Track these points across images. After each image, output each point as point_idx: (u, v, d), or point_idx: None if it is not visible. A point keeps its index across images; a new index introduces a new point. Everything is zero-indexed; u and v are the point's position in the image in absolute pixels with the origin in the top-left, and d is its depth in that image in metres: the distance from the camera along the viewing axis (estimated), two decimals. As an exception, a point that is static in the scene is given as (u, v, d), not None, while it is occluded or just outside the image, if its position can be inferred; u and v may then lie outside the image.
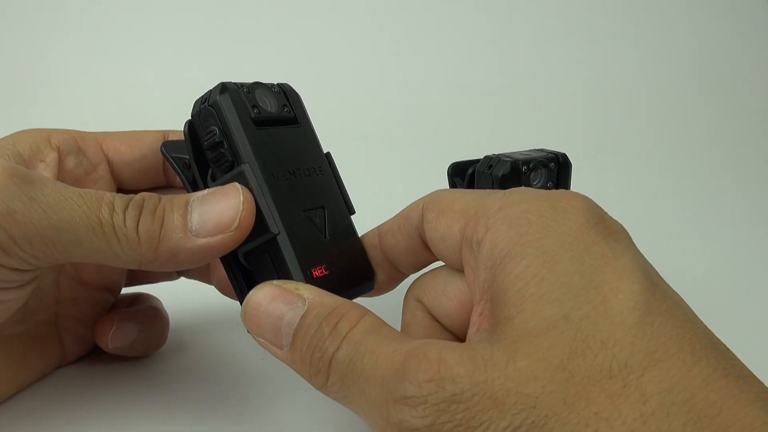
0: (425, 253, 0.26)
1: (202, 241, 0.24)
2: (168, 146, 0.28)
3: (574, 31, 0.79)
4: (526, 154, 0.33)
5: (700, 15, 0.83)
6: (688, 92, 0.81)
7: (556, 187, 0.33)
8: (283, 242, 0.24)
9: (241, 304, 0.25)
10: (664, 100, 0.80)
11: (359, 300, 0.25)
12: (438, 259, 0.27)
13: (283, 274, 0.24)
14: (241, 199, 0.24)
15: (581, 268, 0.20)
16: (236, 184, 0.24)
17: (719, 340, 0.20)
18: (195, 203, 0.24)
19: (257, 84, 0.27)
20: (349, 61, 0.75)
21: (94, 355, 0.33)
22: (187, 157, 0.27)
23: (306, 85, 0.69)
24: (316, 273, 0.25)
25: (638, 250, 0.22)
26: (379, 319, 0.22)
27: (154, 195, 0.25)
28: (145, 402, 0.29)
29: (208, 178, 0.27)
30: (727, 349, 0.20)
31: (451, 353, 0.19)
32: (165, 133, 0.32)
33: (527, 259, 0.21)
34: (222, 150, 0.25)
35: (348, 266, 0.26)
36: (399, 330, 0.26)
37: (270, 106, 0.27)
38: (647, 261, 0.22)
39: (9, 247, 0.23)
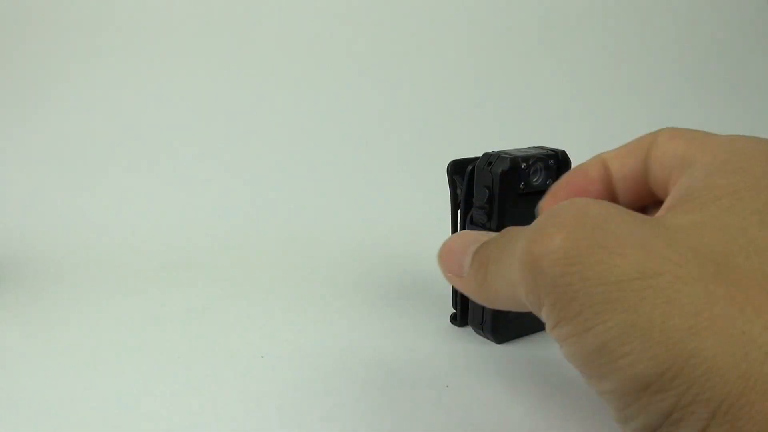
0: (645, 184, 0.26)
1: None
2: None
3: (573, 29, 0.79)
4: (526, 151, 0.33)
5: (701, 15, 0.83)
6: (689, 90, 0.81)
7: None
8: None
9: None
10: (663, 98, 0.80)
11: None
12: (649, 202, 0.27)
13: None
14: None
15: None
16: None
17: None
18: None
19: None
20: (347, 64, 0.75)
21: (92, 345, 0.33)
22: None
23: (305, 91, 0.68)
24: None
25: None
26: None
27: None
28: (146, 402, 0.29)
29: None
30: None
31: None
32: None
33: (733, 177, 0.20)
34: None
35: None
36: None
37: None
38: None
39: None
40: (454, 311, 0.36)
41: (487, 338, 0.34)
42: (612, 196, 0.28)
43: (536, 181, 0.32)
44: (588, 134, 0.74)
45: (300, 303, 0.40)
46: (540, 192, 0.31)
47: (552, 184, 0.31)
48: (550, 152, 0.33)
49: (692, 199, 0.20)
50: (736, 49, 0.83)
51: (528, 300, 0.20)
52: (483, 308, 0.33)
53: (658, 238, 0.18)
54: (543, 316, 0.19)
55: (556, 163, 0.33)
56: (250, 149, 0.66)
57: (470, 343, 0.35)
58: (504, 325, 0.34)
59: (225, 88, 0.68)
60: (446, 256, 0.25)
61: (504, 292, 0.22)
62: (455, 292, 0.34)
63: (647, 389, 0.17)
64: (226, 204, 0.60)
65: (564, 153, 0.33)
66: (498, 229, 0.31)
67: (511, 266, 0.20)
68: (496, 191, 0.31)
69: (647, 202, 0.27)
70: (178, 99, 0.67)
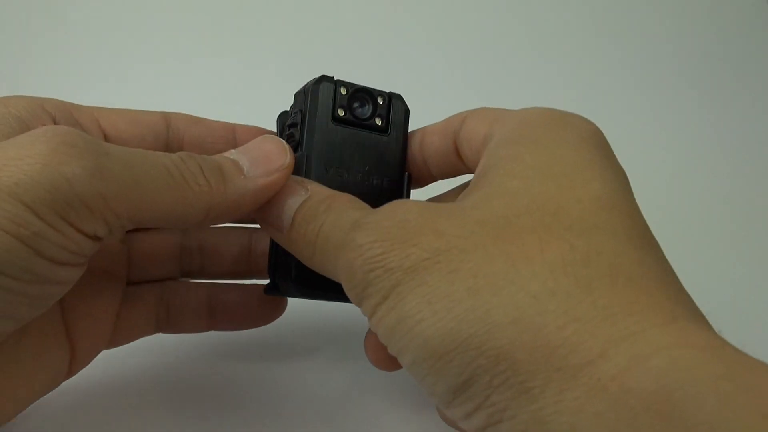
0: (455, 159, 0.28)
1: (261, 180, 0.24)
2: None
3: (571, 27, 0.78)
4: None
5: (702, 16, 0.78)
6: (688, 89, 0.75)
7: (387, 124, 0.30)
8: None
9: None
10: (661, 98, 0.75)
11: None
12: (465, 172, 0.29)
13: None
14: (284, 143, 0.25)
15: (563, 164, 0.21)
16: (268, 136, 0.26)
17: (663, 256, 0.21)
18: (233, 154, 0.25)
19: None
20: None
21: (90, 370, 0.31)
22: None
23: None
24: None
25: (626, 180, 0.23)
26: None
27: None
28: (146, 403, 0.29)
29: None
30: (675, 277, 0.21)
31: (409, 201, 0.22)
32: (166, 115, 0.29)
33: (517, 146, 0.22)
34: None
35: None
36: None
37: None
38: (631, 192, 0.22)
39: (97, 206, 0.20)
40: (271, 281, 0.30)
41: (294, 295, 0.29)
42: (427, 169, 0.30)
43: (361, 113, 0.29)
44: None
45: (299, 303, 0.37)
46: (364, 126, 0.29)
47: (379, 121, 0.29)
48: (383, 91, 0.30)
49: (485, 175, 0.23)
50: (736, 50, 0.77)
51: (350, 296, 0.22)
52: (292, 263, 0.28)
53: (450, 221, 0.20)
54: (363, 310, 0.21)
55: (387, 100, 0.30)
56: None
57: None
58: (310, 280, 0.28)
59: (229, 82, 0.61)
60: (264, 207, 0.25)
61: (330, 273, 0.23)
62: (272, 255, 0.29)
63: (440, 357, 0.18)
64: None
65: (399, 96, 0.31)
66: (308, 152, 0.28)
67: (336, 258, 0.22)
68: (307, 109, 0.28)
69: (461, 173, 0.29)
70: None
